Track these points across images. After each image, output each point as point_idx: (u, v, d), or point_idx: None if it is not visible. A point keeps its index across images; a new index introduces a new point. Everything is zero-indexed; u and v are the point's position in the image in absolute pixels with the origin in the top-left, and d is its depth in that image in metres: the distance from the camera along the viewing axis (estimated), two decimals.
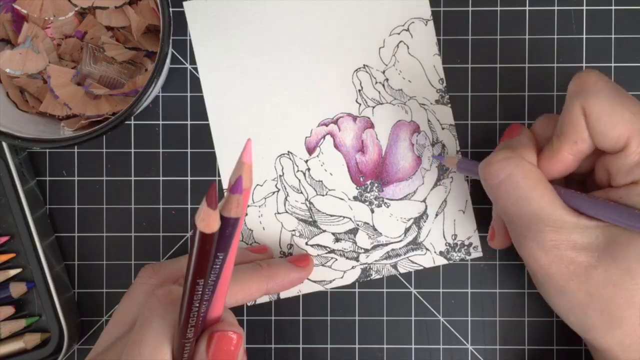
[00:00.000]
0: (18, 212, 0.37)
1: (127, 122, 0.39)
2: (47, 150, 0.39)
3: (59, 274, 0.38)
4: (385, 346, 0.39)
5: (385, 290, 0.39)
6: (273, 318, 0.39)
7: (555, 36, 0.39)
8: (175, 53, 0.39)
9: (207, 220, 0.21)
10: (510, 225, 0.33)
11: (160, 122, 0.39)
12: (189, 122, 0.39)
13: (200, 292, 0.24)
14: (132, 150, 0.39)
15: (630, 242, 0.30)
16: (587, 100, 0.30)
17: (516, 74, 0.39)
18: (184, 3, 0.39)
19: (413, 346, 0.39)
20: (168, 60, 0.34)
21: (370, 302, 0.39)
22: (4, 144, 0.37)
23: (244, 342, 0.30)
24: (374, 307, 0.39)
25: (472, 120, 0.39)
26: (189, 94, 0.39)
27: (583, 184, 0.35)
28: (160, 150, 0.39)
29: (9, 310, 0.37)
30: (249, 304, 0.39)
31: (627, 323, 0.30)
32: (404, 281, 0.39)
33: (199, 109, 0.39)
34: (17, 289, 0.37)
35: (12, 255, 0.38)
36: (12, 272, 0.37)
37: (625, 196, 0.30)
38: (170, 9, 0.34)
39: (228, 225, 0.22)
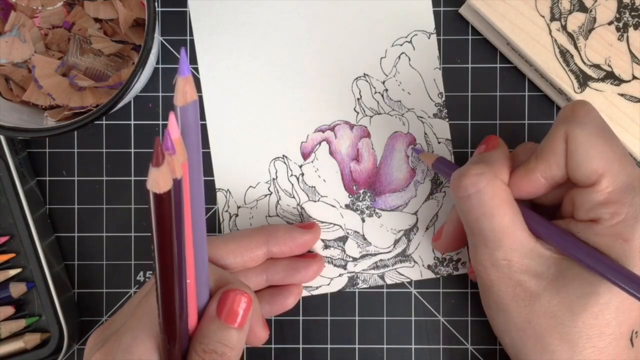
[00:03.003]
0: (18, 212, 0.37)
1: (127, 122, 0.39)
2: (47, 150, 0.39)
3: (58, 274, 0.38)
4: (385, 346, 0.39)
5: (385, 290, 0.39)
6: (273, 318, 0.39)
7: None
8: (176, 53, 0.39)
9: (157, 180, 0.20)
10: (470, 235, 0.33)
11: (160, 122, 0.39)
12: None
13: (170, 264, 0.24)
14: (132, 150, 0.39)
15: (575, 277, 0.30)
16: (572, 128, 0.30)
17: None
18: (189, 2, 0.39)
19: (413, 346, 0.39)
20: (152, 56, 0.34)
21: (370, 302, 0.39)
22: (5, 145, 0.37)
23: (256, 307, 0.31)
24: (374, 307, 0.39)
25: (472, 120, 0.39)
26: None
27: (550, 215, 0.34)
28: None
29: (9, 310, 0.37)
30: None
31: (558, 357, 0.30)
32: (404, 281, 0.39)
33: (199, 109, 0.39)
34: (17, 289, 0.37)
35: (12, 255, 0.38)
36: (12, 272, 0.37)
37: (583, 231, 0.31)
38: (156, 3, 0.33)
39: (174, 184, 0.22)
